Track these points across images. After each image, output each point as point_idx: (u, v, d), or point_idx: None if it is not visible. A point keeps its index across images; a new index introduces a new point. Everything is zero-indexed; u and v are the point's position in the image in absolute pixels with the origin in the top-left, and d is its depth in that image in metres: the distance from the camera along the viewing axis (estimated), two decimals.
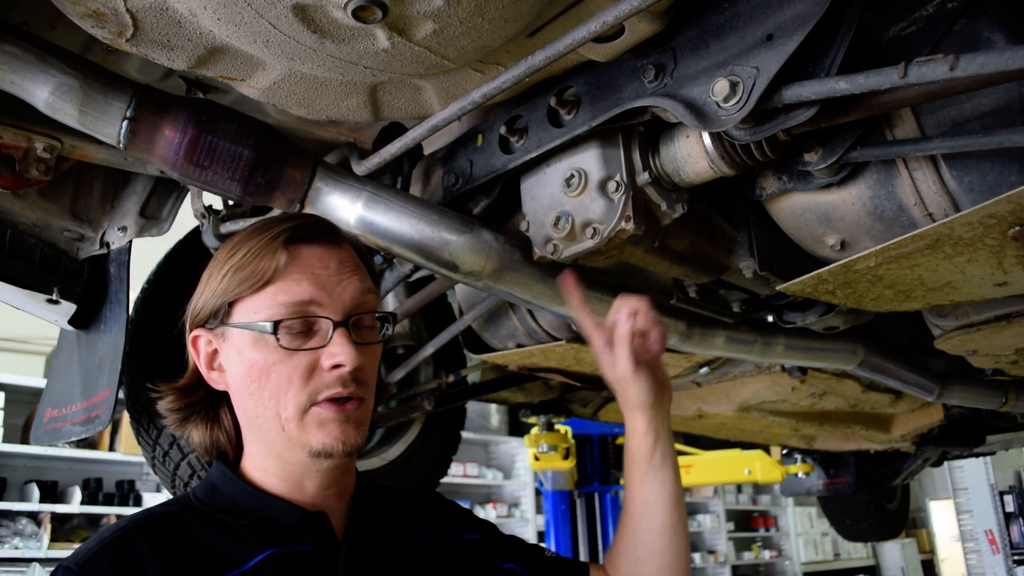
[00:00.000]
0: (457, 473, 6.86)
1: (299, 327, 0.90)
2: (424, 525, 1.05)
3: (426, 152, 1.46)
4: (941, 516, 10.66)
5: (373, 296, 0.98)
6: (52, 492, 5.04)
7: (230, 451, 0.99)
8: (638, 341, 1.04)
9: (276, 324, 0.89)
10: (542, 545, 1.25)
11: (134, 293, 1.77)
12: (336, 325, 0.91)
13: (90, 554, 0.84)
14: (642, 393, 1.04)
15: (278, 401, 0.90)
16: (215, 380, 0.96)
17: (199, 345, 0.96)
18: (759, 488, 10.24)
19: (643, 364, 1.04)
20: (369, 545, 0.97)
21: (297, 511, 0.92)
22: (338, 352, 0.90)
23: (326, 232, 0.97)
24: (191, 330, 0.96)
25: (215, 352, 0.95)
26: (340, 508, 0.98)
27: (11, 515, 4.86)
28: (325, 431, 0.90)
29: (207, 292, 0.94)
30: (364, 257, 1.01)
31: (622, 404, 1.08)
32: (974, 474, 6.92)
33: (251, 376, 0.91)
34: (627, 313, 1.03)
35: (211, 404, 0.99)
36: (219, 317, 0.93)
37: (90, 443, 5.36)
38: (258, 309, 0.91)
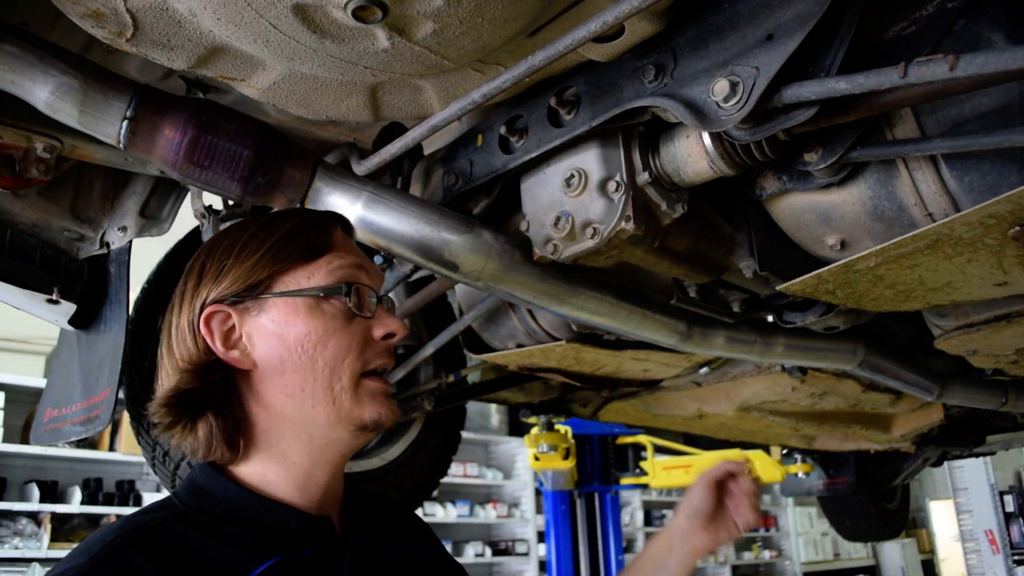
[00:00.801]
0: (457, 473, 6.86)
1: (355, 296, 0.93)
2: (409, 534, 1.06)
3: (426, 152, 1.46)
4: (941, 516, 10.66)
5: None
6: (52, 492, 5.04)
7: (228, 450, 0.89)
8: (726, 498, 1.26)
9: (350, 286, 0.91)
10: None
11: (134, 293, 1.77)
12: (378, 299, 0.95)
13: (82, 573, 0.76)
14: (694, 502, 1.25)
15: (333, 371, 0.88)
16: (236, 359, 0.89)
17: (212, 324, 0.89)
18: (759, 488, 10.23)
19: (716, 493, 1.25)
20: (369, 548, 0.96)
21: (302, 517, 0.89)
22: (390, 322, 0.94)
23: (352, 229, 1.04)
24: (202, 309, 0.89)
25: (232, 329, 0.89)
26: (336, 510, 0.97)
27: (11, 515, 4.86)
28: (378, 403, 0.91)
29: (237, 268, 0.90)
30: None
31: (677, 512, 1.27)
32: (974, 474, 6.92)
33: (303, 346, 0.88)
34: (744, 479, 1.28)
35: (222, 391, 0.90)
36: (257, 289, 0.89)
37: (90, 443, 5.37)
38: (311, 275, 0.91)
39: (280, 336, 0.88)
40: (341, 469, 0.96)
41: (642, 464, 4.34)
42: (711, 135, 1.11)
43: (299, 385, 0.88)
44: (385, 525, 1.03)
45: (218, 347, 0.89)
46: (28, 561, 4.72)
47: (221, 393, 0.90)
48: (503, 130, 1.27)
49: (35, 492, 4.92)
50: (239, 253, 0.91)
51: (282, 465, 0.90)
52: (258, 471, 0.90)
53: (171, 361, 0.91)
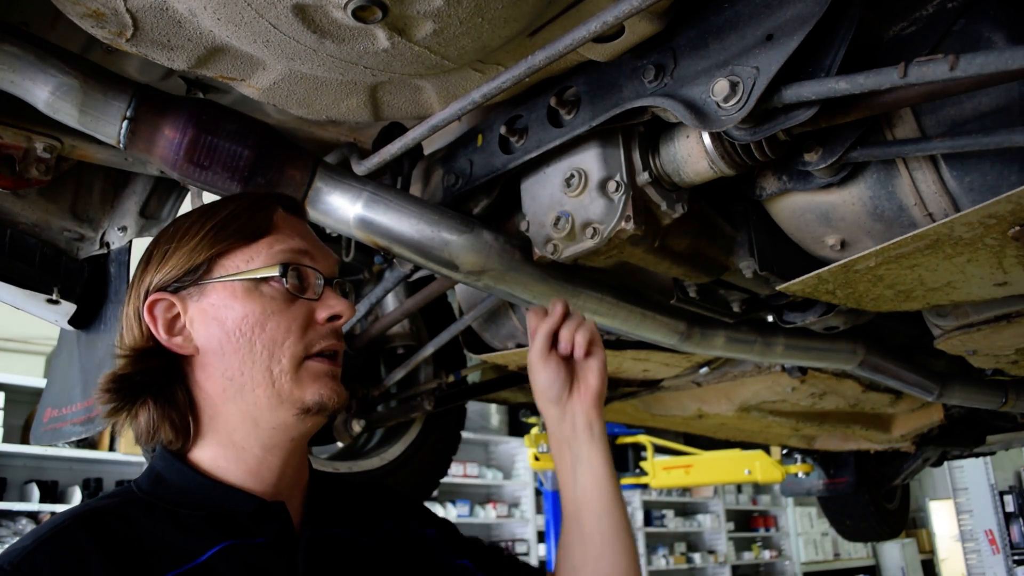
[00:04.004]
0: (457, 473, 6.86)
1: (296, 278, 0.92)
2: (381, 518, 1.03)
3: (426, 152, 1.46)
4: (941, 516, 10.66)
5: None
6: (52, 492, 5.03)
7: (176, 437, 0.91)
8: (565, 341, 1.07)
9: (286, 267, 0.91)
10: (501, 546, 1.24)
11: None
12: (326, 282, 0.95)
13: (25, 553, 0.77)
14: (540, 385, 1.09)
15: (272, 353, 0.88)
16: (179, 345, 0.90)
17: (156, 311, 0.90)
18: (759, 488, 10.24)
19: (555, 358, 1.07)
20: (329, 538, 0.94)
21: (254, 501, 0.89)
22: (336, 304, 0.93)
23: (302, 210, 1.04)
24: (146, 296, 0.91)
25: (176, 316, 0.91)
26: (297, 498, 0.95)
27: (11, 515, 4.86)
28: (320, 384, 0.91)
29: (178, 253, 0.91)
30: None
31: (540, 405, 1.14)
32: (974, 474, 6.91)
33: (241, 329, 0.88)
34: (558, 311, 1.07)
35: (163, 378, 0.91)
36: (197, 274, 0.90)
37: (90, 443, 5.36)
38: (250, 258, 0.91)
39: (219, 320, 0.89)
40: (296, 454, 0.94)
41: (642, 464, 4.34)
42: (711, 135, 1.11)
43: (238, 368, 0.89)
44: (356, 512, 1.01)
45: (161, 334, 0.90)
46: None
47: (162, 380, 0.91)
48: (503, 130, 1.27)
49: (35, 492, 4.92)
50: (180, 239, 0.92)
51: (232, 450, 0.91)
52: (211, 456, 0.91)
53: (120, 348, 0.93)
